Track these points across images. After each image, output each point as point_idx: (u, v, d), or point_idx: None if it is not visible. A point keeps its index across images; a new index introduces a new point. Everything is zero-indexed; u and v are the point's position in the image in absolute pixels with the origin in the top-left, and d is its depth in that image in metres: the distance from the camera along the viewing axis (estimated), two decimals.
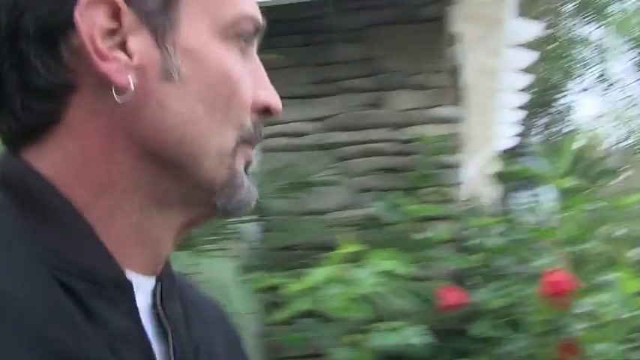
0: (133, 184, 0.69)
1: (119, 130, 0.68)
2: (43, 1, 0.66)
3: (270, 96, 0.75)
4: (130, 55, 0.68)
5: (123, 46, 0.68)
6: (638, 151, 19.14)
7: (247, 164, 0.75)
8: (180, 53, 0.69)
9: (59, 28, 0.66)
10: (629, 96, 19.93)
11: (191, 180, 0.71)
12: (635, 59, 19.17)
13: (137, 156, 0.69)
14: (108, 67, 0.66)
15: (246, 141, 0.73)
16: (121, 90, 0.67)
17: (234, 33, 0.72)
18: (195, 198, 0.72)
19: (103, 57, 0.66)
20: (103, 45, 0.67)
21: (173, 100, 0.69)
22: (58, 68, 0.67)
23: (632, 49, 19.03)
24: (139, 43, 0.68)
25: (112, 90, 0.67)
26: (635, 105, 19.71)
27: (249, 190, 0.74)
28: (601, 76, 19.56)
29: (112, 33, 0.67)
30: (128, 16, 0.67)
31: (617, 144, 19.83)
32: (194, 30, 0.70)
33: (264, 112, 0.75)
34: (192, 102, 0.69)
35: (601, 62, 19.23)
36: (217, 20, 0.71)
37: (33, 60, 0.67)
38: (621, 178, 12.10)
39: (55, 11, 0.66)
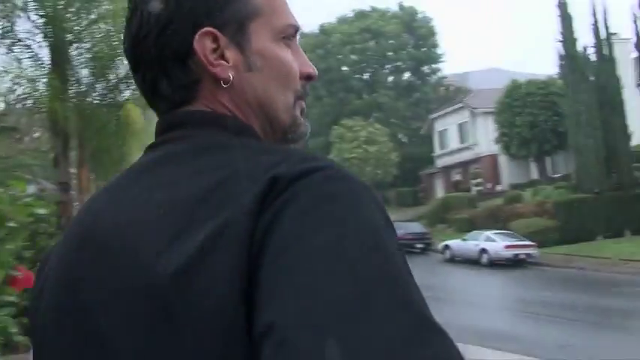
0: (262, 123, 1.29)
1: (238, 99, 1.26)
2: (175, 38, 1.22)
3: (310, 68, 1.35)
4: (227, 61, 1.24)
5: (222, 57, 1.24)
6: (38, 110, 19.12)
7: (302, 111, 1.33)
8: (254, 55, 1.26)
9: (186, 52, 1.23)
10: (33, 55, 18.43)
11: (275, 122, 1.29)
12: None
13: (250, 112, 1.27)
14: (215, 70, 1.23)
15: (299, 98, 1.32)
16: (225, 81, 1.24)
17: (282, 36, 1.29)
18: (279, 131, 1.30)
19: (212, 65, 1.23)
20: (211, 58, 1.23)
21: (255, 81, 1.26)
22: (189, 74, 1.24)
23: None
24: (231, 53, 1.24)
25: (220, 81, 1.24)
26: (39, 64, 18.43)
27: (305, 126, 1.33)
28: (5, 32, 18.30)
29: (214, 50, 1.23)
30: (222, 40, 1.23)
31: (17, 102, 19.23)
32: (259, 39, 1.26)
33: (307, 78, 1.34)
34: (265, 81, 1.27)
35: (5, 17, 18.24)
36: (271, 30, 1.28)
37: (174, 71, 1.24)
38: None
39: (183, 44, 1.22)
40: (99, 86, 17.19)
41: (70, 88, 16.75)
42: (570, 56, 40.21)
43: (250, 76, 1.26)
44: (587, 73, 40.13)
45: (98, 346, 1.12)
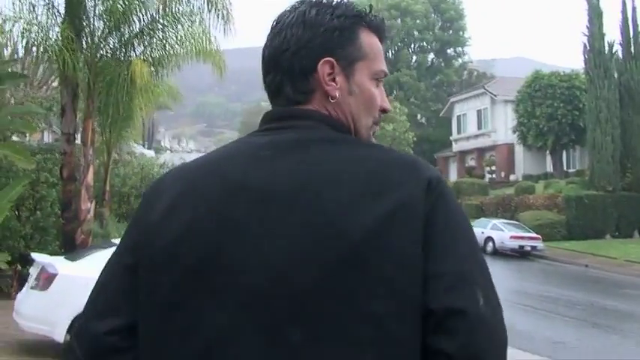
0: (350, 127, 1.77)
1: (338, 111, 1.75)
2: (306, 58, 1.73)
3: (386, 104, 1.83)
4: (337, 84, 1.73)
5: (334, 80, 1.73)
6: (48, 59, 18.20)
7: (374, 132, 1.82)
8: (355, 85, 1.76)
9: (310, 70, 1.73)
10: (48, 2, 17.29)
11: (357, 135, 1.77)
12: None
13: (344, 123, 1.76)
14: (328, 88, 1.73)
15: (375, 123, 1.81)
16: (333, 97, 1.73)
17: (375, 77, 1.80)
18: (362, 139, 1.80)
19: (327, 84, 1.72)
20: (327, 79, 1.72)
21: (352, 103, 1.76)
22: (309, 85, 1.74)
23: None
24: (340, 79, 1.74)
25: (329, 96, 1.74)
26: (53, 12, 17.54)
27: (372, 139, 1.82)
28: None
29: (330, 74, 1.73)
30: (336, 69, 1.73)
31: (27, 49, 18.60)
32: (360, 75, 1.76)
33: (383, 111, 1.83)
34: (358, 105, 1.77)
35: None
36: (369, 71, 1.78)
37: (299, 80, 1.74)
38: None
39: (310, 64, 1.73)
40: (112, 40, 17.01)
41: (83, 39, 16.57)
42: (596, 51, 39.74)
43: (350, 98, 1.76)
44: (612, 69, 39.67)
45: (266, 272, 1.53)
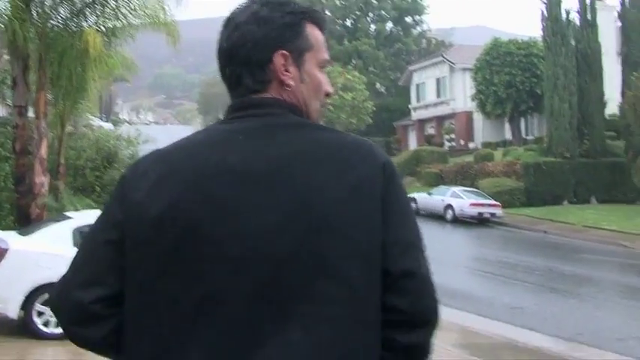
0: (303, 111, 1.97)
1: (292, 97, 1.95)
2: (261, 51, 1.93)
3: (330, 88, 2.05)
4: (290, 73, 1.94)
5: (287, 70, 1.93)
6: None
7: (321, 112, 2.03)
8: (305, 73, 1.97)
9: (267, 61, 1.93)
10: None
11: (309, 117, 1.98)
12: None
13: (298, 104, 1.97)
14: (284, 77, 1.93)
15: (322, 105, 2.02)
16: (288, 86, 1.94)
17: (321, 65, 2.02)
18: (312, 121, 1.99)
19: (283, 74, 1.93)
20: (282, 69, 1.93)
21: (304, 90, 1.97)
22: (266, 75, 1.94)
23: None
24: (293, 69, 1.95)
25: (284, 85, 1.94)
26: None
27: (320, 118, 2.01)
28: None
29: (284, 65, 1.93)
30: (289, 60, 1.94)
31: None
32: (309, 65, 1.98)
33: (327, 95, 2.04)
34: (310, 90, 1.98)
35: None
36: (316, 60, 2.00)
37: (257, 71, 1.94)
38: None
39: (266, 56, 1.93)
40: (63, 10, 16.66)
41: (33, 9, 16.20)
42: (553, 19, 39.86)
43: (302, 86, 1.98)
44: (569, 37, 39.83)
45: (246, 243, 1.73)
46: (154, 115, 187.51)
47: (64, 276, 1.92)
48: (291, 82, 1.95)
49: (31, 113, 17.06)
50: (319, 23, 2.06)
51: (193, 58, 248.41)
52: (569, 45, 39.54)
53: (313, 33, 2.02)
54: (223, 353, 1.71)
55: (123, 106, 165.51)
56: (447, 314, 15.89)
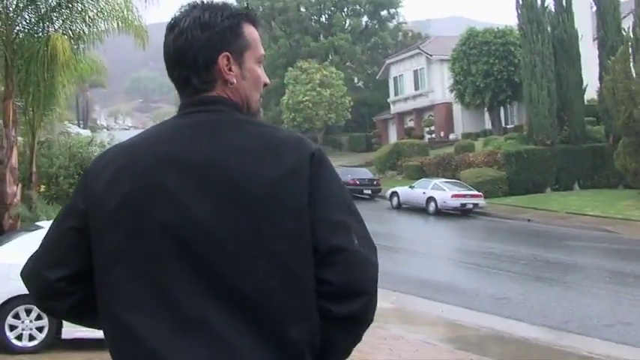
0: (244, 105, 2.21)
1: (235, 93, 2.19)
2: (207, 54, 2.15)
3: (267, 79, 2.28)
4: (233, 72, 2.17)
5: (231, 69, 2.17)
6: None
7: (259, 102, 2.27)
8: (246, 70, 2.20)
9: (211, 63, 2.16)
10: None
11: (250, 108, 2.22)
12: None
13: (241, 102, 2.20)
14: (228, 77, 2.17)
15: (261, 96, 2.27)
16: (231, 83, 2.17)
17: (258, 60, 2.25)
18: (251, 113, 2.22)
19: (227, 73, 2.16)
20: (226, 69, 2.16)
21: (245, 85, 2.20)
22: (212, 75, 2.17)
23: None
24: (235, 68, 2.18)
25: (228, 83, 2.17)
26: None
27: (260, 111, 2.28)
28: None
29: (227, 65, 2.17)
30: (231, 60, 2.17)
31: None
32: (249, 62, 2.21)
33: (264, 85, 2.27)
34: (250, 85, 2.22)
35: None
36: (254, 57, 2.23)
37: (202, 72, 2.16)
38: None
39: (211, 58, 2.15)
40: (28, 15, 16.33)
41: None
42: (528, 5, 39.70)
43: (243, 82, 2.20)
44: (545, 23, 39.70)
45: (192, 228, 1.96)
46: (133, 120, 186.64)
47: (34, 255, 2.24)
48: (234, 80, 2.19)
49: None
50: (255, 21, 2.29)
51: None
52: (546, 31, 39.40)
53: (250, 32, 2.25)
54: (171, 325, 1.95)
55: (100, 112, 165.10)
56: (432, 308, 15.75)
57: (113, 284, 2.04)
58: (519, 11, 40.19)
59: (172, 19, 2.23)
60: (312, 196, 2.03)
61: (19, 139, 19.61)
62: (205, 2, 2.23)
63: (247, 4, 2.46)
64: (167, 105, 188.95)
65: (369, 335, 8.89)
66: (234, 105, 2.18)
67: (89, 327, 2.34)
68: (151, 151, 2.08)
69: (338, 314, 2.02)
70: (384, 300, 16.90)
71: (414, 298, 17.18)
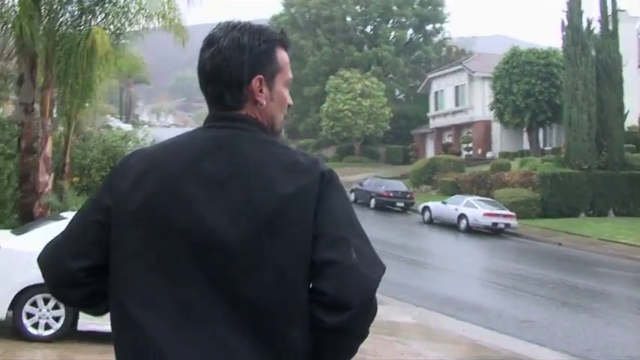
0: (269, 129, 2.35)
1: (263, 113, 2.32)
2: (241, 74, 2.27)
3: (290, 101, 2.44)
4: (263, 94, 2.31)
5: (262, 91, 2.31)
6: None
7: (283, 122, 2.44)
8: (275, 93, 2.35)
9: (244, 83, 2.28)
10: None
11: (274, 128, 2.37)
12: None
13: (267, 122, 2.34)
14: (259, 98, 2.30)
15: (285, 117, 2.44)
16: (261, 104, 2.31)
17: (286, 84, 2.40)
18: (275, 132, 2.37)
19: (258, 95, 2.30)
20: (257, 91, 2.29)
21: (273, 106, 2.36)
22: (243, 95, 2.29)
23: None
24: (266, 90, 2.32)
25: (258, 104, 2.31)
26: None
27: (282, 129, 2.44)
28: None
29: (259, 87, 2.30)
30: (263, 82, 2.30)
31: None
32: (278, 85, 2.36)
33: (288, 107, 2.44)
34: (277, 106, 2.37)
35: None
36: (283, 81, 2.37)
37: (235, 91, 2.28)
38: None
39: (244, 79, 2.27)
40: (71, 7, 16.47)
41: (42, 6, 16.00)
42: (574, 28, 39.35)
43: (271, 103, 2.33)
44: (589, 47, 39.31)
45: (206, 236, 2.10)
46: (175, 118, 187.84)
47: (55, 242, 2.35)
48: (264, 102, 2.31)
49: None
50: (286, 46, 2.41)
51: None
52: (590, 55, 39.03)
53: (282, 56, 2.38)
54: (177, 321, 2.10)
55: (143, 108, 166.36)
56: (454, 326, 15.58)
57: (126, 278, 2.17)
58: (564, 33, 39.86)
59: (210, 36, 2.35)
60: (317, 212, 2.16)
61: (60, 128, 19.83)
62: (244, 24, 2.36)
63: (282, 29, 2.51)
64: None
65: (387, 349, 8.83)
66: (260, 125, 2.31)
67: (96, 316, 2.49)
68: (175, 159, 2.22)
69: (327, 324, 2.11)
70: (406, 315, 16.83)
71: (436, 314, 17.04)
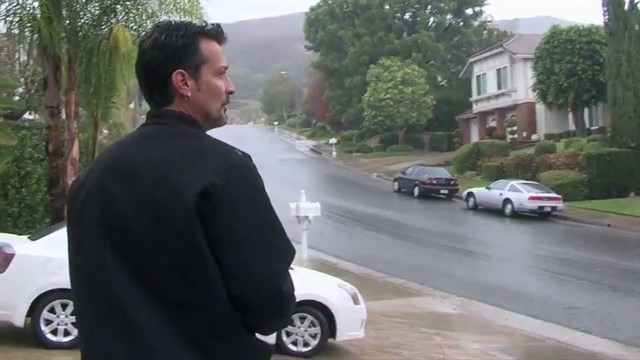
0: (203, 118, 2.41)
1: (192, 105, 2.38)
2: (162, 72, 2.35)
3: (231, 87, 2.48)
4: (188, 86, 2.36)
5: (186, 83, 2.36)
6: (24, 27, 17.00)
7: (225, 110, 2.48)
8: (202, 83, 2.39)
9: (168, 80, 2.35)
10: None
11: (209, 117, 2.43)
12: None
13: (198, 113, 2.40)
14: (182, 91, 2.36)
15: (223, 104, 2.46)
16: (186, 97, 2.36)
17: (218, 72, 2.43)
18: (211, 122, 2.44)
19: (181, 88, 2.36)
20: (180, 84, 2.35)
21: (202, 97, 2.39)
22: (169, 91, 2.36)
23: None
24: (191, 82, 2.37)
25: (184, 96, 2.36)
26: None
27: (225, 118, 2.49)
28: None
29: (182, 80, 2.35)
30: (186, 75, 2.36)
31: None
32: (205, 75, 2.39)
33: (229, 93, 2.48)
34: (208, 96, 2.40)
35: None
36: (212, 70, 2.41)
37: (161, 88, 2.37)
38: None
39: (165, 76, 2.35)
40: (92, 7, 16.26)
41: (62, 8, 15.82)
42: (615, 3, 38.40)
43: (199, 94, 2.38)
44: (632, 21, 38.31)
45: (119, 224, 2.21)
46: None
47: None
48: (189, 94, 2.38)
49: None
50: (214, 36, 2.46)
51: (259, 58, 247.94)
52: (633, 30, 38.05)
53: (208, 47, 2.43)
54: (96, 308, 2.25)
55: None
56: (496, 315, 15.09)
57: (74, 271, 2.38)
58: (605, 8, 38.92)
59: (140, 41, 2.50)
60: (220, 204, 2.21)
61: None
62: (166, 23, 2.47)
63: (206, 21, 2.63)
64: (254, 102, 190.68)
65: (425, 342, 8.42)
66: (186, 118, 2.39)
67: None
68: (108, 156, 2.40)
69: (245, 321, 2.29)
70: (447, 305, 16.40)
71: (478, 303, 16.59)
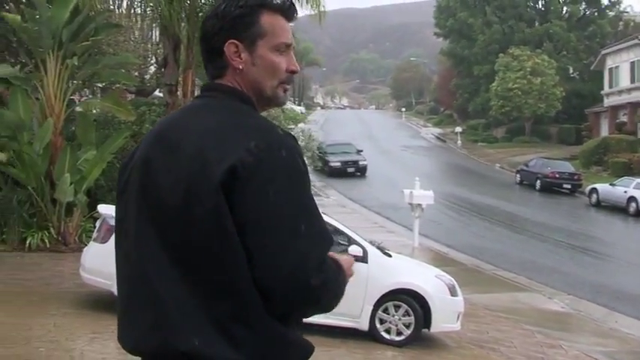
0: (256, 94, 2.35)
1: (245, 79, 2.33)
2: (217, 42, 2.32)
3: (293, 66, 2.37)
4: (242, 58, 2.31)
5: (240, 56, 2.31)
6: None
7: (285, 90, 2.42)
8: (257, 57, 2.31)
9: (220, 52, 2.32)
10: None
11: (262, 95, 2.36)
12: None
13: (251, 88, 2.34)
14: (233, 63, 2.31)
15: (282, 82, 2.37)
16: (238, 70, 2.32)
17: (277, 48, 2.34)
18: (265, 100, 2.38)
19: (234, 60, 2.31)
20: (234, 56, 2.31)
21: (256, 71, 2.33)
22: (222, 62, 2.33)
23: None
24: (244, 54, 2.31)
25: (237, 69, 2.32)
26: None
27: (283, 98, 2.43)
28: None
29: (235, 52, 2.31)
30: (240, 47, 2.30)
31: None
32: (261, 49, 2.31)
33: (292, 72, 2.38)
34: (261, 71, 2.32)
35: None
36: (269, 45, 2.32)
37: (216, 59, 2.35)
38: None
39: (219, 46, 2.32)
40: None
41: None
42: None
43: (253, 68, 2.32)
44: None
45: (157, 193, 2.21)
46: (349, 100, 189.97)
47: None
48: (241, 66, 2.32)
49: None
50: (279, 10, 2.37)
51: (390, 43, 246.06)
52: None
53: (269, 20, 2.34)
54: (131, 271, 2.29)
55: (318, 91, 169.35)
56: (606, 316, 14.58)
57: (118, 240, 2.41)
58: None
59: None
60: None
61: None
62: None
63: None
64: (383, 87, 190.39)
65: (525, 340, 8.39)
66: (237, 92, 2.34)
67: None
68: (159, 128, 2.41)
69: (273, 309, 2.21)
70: (555, 303, 15.96)
71: (588, 303, 16.12)
